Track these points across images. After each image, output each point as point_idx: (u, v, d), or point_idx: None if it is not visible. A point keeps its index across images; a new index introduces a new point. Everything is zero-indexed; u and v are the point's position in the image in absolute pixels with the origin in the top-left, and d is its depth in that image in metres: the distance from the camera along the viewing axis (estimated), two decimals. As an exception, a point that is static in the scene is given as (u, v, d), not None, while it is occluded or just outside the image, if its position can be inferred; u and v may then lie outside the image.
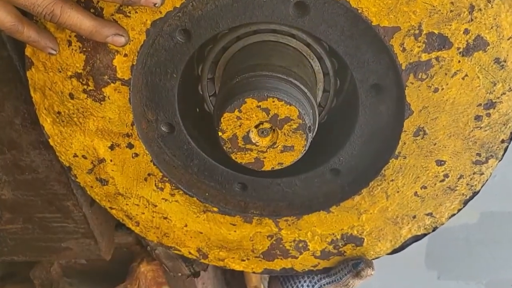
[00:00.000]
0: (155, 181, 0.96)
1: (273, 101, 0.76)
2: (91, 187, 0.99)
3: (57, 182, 1.06)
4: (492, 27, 0.72)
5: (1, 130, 1.00)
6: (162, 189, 0.97)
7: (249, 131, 0.79)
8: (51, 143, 0.93)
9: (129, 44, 0.79)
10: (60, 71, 0.83)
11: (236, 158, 0.83)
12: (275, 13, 0.77)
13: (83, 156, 0.94)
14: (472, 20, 0.72)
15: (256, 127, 0.80)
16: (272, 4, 0.76)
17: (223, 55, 0.93)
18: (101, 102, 0.86)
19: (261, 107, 0.77)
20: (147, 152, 0.92)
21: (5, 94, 0.95)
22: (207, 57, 0.93)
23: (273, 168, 0.84)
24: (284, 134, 0.79)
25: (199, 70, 0.95)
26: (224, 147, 0.81)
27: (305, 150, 0.81)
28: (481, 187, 0.91)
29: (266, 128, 0.80)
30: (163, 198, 0.99)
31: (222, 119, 0.78)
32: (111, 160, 0.94)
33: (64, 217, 1.14)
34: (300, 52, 0.92)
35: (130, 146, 0.92)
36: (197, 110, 1.02)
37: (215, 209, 1.00)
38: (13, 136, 1.01)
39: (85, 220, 1.13)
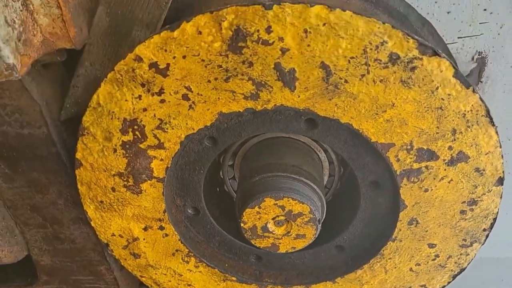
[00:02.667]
0: (181, 255, 1.10)
1: (288, 200, 0.90)
2: (125, 259, 1.12)
3: (92, 251, 1.20)
4: (472, 145, 0.86)
5: (45, 209, 1.14)
6: (187, 262, 1.11)
7: (267, 222, 0.93)
8: (92, 225, 1.07)
9: (165, 151, 0.93)
10: (105, 171, 0.97)
11: (255, 243, 0.96)
12: (289, 127, 0.91)
13: (120, 235, 1.07)
14: (455, 140, 0.86)
15: (273, 219, 0.94)
16: (286, 120, 0.90)
17: (242, 147, 1.07)
18: (138, 194, 1.00)
19: (278, 204, 0.91)
20: (176, 233, 1.06)
21: (51, 180, 1.09)
22: (228, 149, 1.07)
23: (287, 251, 0.98)
24: (297, 225, 0.93)
25: (221, 159, 1.09)
26: (245, 235, 0.95)
27: (315, 237, 0.95)
28: (468, 264, 1.04)
29: (282, 220, 0.94)
30: (188, 269, 1.12)
31: (244, 213, 0.92)
32: (144, 239, 1.07)
33: (96, 279, 1.27)
34: (309, 146, 1.06)
35: (161, 228, 1.05)
36: (218, 190, 1.16)
37: (234, 278, 1.13)
38: (55, 214, 1.15)
39: (116, 282, 1.26)
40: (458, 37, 1.32)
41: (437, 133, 0.85)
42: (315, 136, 0.93)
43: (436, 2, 1.26)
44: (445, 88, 0.81)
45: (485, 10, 1.26)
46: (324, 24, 0.76)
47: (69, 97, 0.99)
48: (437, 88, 0.81)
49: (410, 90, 0.81)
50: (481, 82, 1.39)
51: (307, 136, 0.94)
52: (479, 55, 1.35)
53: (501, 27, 1.29)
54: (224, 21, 0.77)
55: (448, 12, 1.28)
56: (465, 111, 0.83)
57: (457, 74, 0.80)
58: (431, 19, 1.27)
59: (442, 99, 0.82)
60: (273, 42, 0.78)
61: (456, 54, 1.34)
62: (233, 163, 1.10)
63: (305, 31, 0.77)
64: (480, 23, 1.28)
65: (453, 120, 0.84)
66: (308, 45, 0.78)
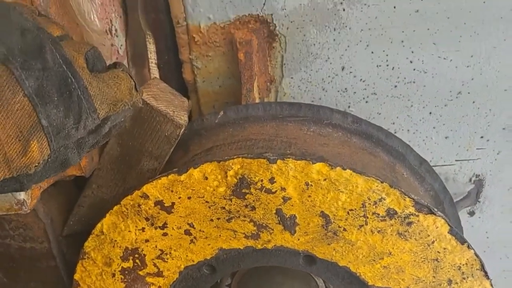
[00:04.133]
0: None
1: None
2: None
3: None
4: None
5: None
6: None
7: None
8: None
9: (164, 279, 0.94)
10: (102, 293, 0.97)
11: None
12: (288, 261, 0.93)
13: None
14: (450, 290, 0.87)
15: None
16: (285, 256, 0.92)
17: (239, 270, 1.08)
18: (134, 317, 0.99)
19: None
20: None
21: (49, 291, 1.09)
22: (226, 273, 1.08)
23: None
24: None
25: (219, 280, 1.10)
26: None
27: None
28: None
29: None
30: None
31: None
32: None
33: None
34: (309, 273, 1.07)
35: None
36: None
37: None
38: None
39: None
40: (456, 160, 1.36)
41: (433, 281, 0.87)
42: (313, 272, 0.94)
43: (434, 128, 1.31)
44: (441, 242, 0.83)
45: (482, 137, 1.31)
46: (325, 179, 0.80)
47: (73, 215, 1.02)
48: (433, 242, 0.83)
49: (407, 242, 0.83)
50: (479, 202, 1.42)
51: (305, 271, 0.95)
52: (476, 177, 1.38)
53: (498, 153, 1.33)
54: (230, 170, 0.81)
55: (446, 137, 1.32)
56: (460, 264, 0.84)
57: (452, 231, 0.82)
58: (429, 142, 1.32)
59: (438, 252, 0.84)
60: (276, 191, 0.81)
61: (454, 175, 1.37)
62: (230, 283, 1.11)
63: (307, 184, 0.80)
64: (477, 149, 1.33)
65: (448, 271, 0.85)
66: (309, 196, 0.81)
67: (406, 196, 0.79)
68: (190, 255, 0.90)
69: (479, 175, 1.38)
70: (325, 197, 0.81)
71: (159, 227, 0.88)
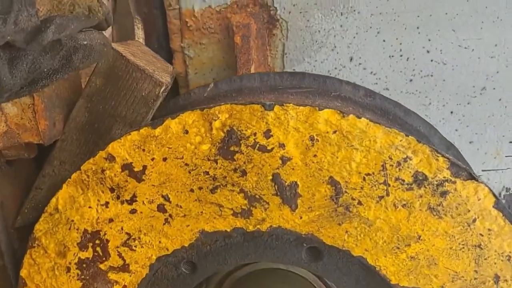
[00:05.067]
0: None
1: None
2: None
3: None
4: (520, 298, 0.67)
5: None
6: None
7: None
8: None
9: (130, 276, 0.74)
10: (53, 295, 0.77)
11: None
12: (287, 255, 0.73)
13: None
14: (498, 289, 0.67)
15: None
16: (284, 247, 0.73)
17: (227, 279, 0.88)
18: (91, 330, 0.78)
19: None
20: None
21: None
22: (211, 279, 0.88)
23: None
24: None
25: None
26: None
27: None
28: None
29: None
30: None
31: None
32: None
33: None
34: (310, 283, 0.86)
35: None
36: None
37: None
38: None
39: None
40: (483, 170, 1.19)
41: (475, 278, 0.67)
42: (319, 271, 0.74)
43: (456, 130, 1.16)
44: (485, 221, 0.64)
45: (511, 142, 1.15)
46: (334, 132, 0.63)
47: (29, 200, 0.84)
48: (474, 221, 0.64)
49: (440, 220, 0.65)
50: None
51: (309, 270, 0.75)
52: (506, 191, 1.20)
53: (530, 162, 1.16)
54: (215, 120, 0.64)
55: (470, 142, 1.16)
56: (510, 252, 0.65)
57: (498, 205, 0.64)
58: (451, 147, 1.15)
59: (481, 234, 0.65)
60: (272, 148, 0.65)
61: (481, 188, 1.19)
62: (217, 297, 0.90)
63: (312, 139, 0.64)
64: (506, 156, 1.16)
65: (495, 263, 0.66)
66: (315, 155, 0.64)
67: (438, 155, 0.62)
68: (164, 241, 0.72)
69: (509, 189, 1.20)
70: (335, 156, 0.64)
71: (127, 201, 0.70)
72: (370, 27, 1.09)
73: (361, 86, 0.86)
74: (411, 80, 1.12)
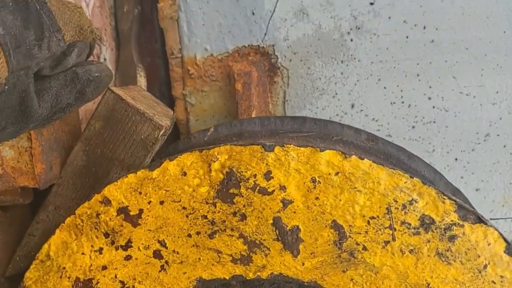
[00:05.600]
0: None
1: None
2: None
3: None
4: None
5: None
6: None
7: None
8: None
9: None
10: None
11: None
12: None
13: None
14: None
15: None
16: (286, 298, 0.69)
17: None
18: None
19: None
20: None
21: None
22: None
23: None
24: None
25: None
26: None
27: None
28: None
29: None
30: None
31: None
32: None
33: None
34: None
35: None
36: None
37: None
38: None
39: None
40: (491, 218, 1.16)
41: (490, 331, 0.62)
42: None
43: (462, 178, 1.13)
44: (496, 267, 0.61)
45: (518, 189, 1.13)
46: (336, 173, 0.61)
47: (21, 248, 0.81)
48: (485, 267, 0.61)
49: (449, 266, 0.62)
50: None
51: (313, 321, 0.71)
52: (516, 240, 1.16)
53: (540, 210, 1.13)
54: (214, 161, 0.63)
55: (476, 190, 1.14)
56: (526, 302, 0.61)
57: (510, 250, 0.61)
58: (457, 195, 1.12)
59: (493, 282, 0.61)
60: (273, 191, 0.63)
61: (490, 238, 1.15)
62: None
63: (313, 181, 0.62)
64: (514, 204, 1.13)
65: (511, 315, 0.62)
66: (317, 198, 0.62)
67: (445, 197, 0.60)
68: (160, 290, 0.68)
69: (520, 238, 1.15)
70: (338, 199, 0.62)
71: (122, 246, 0.67)
72: (371, 75, 1.09)
73: (363, 131, 0.85)
74: (413, 127, 1.11)
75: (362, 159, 0.61)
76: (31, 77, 0.54)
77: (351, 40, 1.08)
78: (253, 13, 1.09)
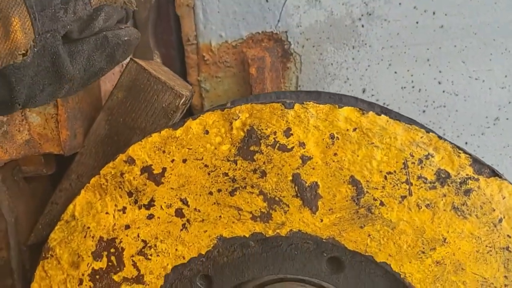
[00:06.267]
0: None
1: None
2: None
3: None
4: (556, 308, 0.63)
5: None
6: None
7: None
8: None
9: (145, 287, 0.71)
10: (63, 310, 0.74)
11: None
12: (307, 267, 0.71)
13: None
14: (532, 297, 0.63)
15: None
16: (304, 258, 0.70)
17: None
18: None
19: None
20: None
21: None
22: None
23: None
24: None
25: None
26: None
27: None
28: None
29: None
30: None
31: None
32: None
33: None
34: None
35: None
36: None
37: None
38: None
39: None
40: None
41: (505, 285, 0.64)
42: (341, 284, 0.71)
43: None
44: (511, 221, 0.62)
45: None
46: (354, 129, 0.63)
47: (44, 216, 0.83)
48: (500, 221, 0.63)
49: (465, 221, 0.63)
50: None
51: (330, 282, 0.72)
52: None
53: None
54: (236, 119, 0.65)
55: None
56: (541, 256, 0.63)
57: (525, 204, 0.62)
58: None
59: (508, 236, 0.63)
60: (292, 147, 0.65)
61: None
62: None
63: (332, 137, 0.64)
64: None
65: (526, 268, 0.63)
66: (335, 154, 0.64)
67: (460, 151, 0.62)
68: (181, 249, 0.70)
69: (530, 223, 1.16)
70: (355, 155, 0.64)
71: (144, 205, 0.69)
72: (382, 60, 1.12)
73: (376, 104, 0.87)
74: (424, 111, 1.13)
75: (379, 115, 0.63)
76: (59, 39, 0.57)
77: (362, 26, 1.12)
78: (266, 1, 1.12)
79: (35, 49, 0.54)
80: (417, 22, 1.10)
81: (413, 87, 1.13)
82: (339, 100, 0.86)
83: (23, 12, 0.52)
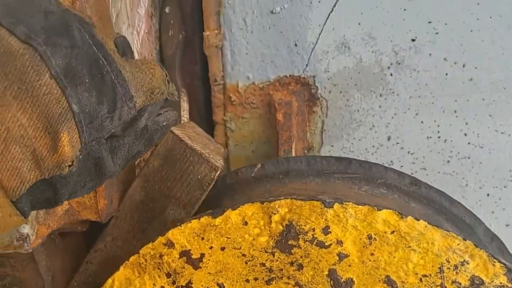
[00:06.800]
0: None
1: None
2: None
3: None
4: None
5: None
6: None
7: None
8: None
9: None
10: None
11: None
12: None
13: None
14: None
15: None
16: None
17: None
18: None
19: None
20: None
21: None
22: None
23: None
24: None
25: None
26: None
27: None
28: None
29: None
30: None
31: None
32: None
33: None
34: None
35: None
36: None
37: None
38: None
39: None
40: (520, 253, 1.19)
41: None
42: None
43: (492, 213, 1.16)
44: (541, 327, 0.64)
45: (549, 226, 1.15)
46: (392, 232, 0.65)
47: (79, 274, 0.86)
48: (530, 328, 0.64)
49: (496, 326, 0.65)
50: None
51: None
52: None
53: None
54: (275, 214, 0.67)
55: (506, 225, 1.17)
56: None
57: (555, 312, 0.64)
58: (487, 229, 1.15)
59: None
60: (330, 245, 0.66)
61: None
62: None
63: (369, 237, 0.65)
64: (545, 239, 1.16)
65: None
66: (372, 254, 0.66)
67: (495, 261, 0.63)
68: (216, 328, 0.72)
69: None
70: (392, 256, 0.65)
71: (182, 287, 0.71)
72: (409, 109, 1.12)
73: (406, 174, 0.88)
74: (448, 161, 1.14)
75: (418, 220, 0.64)
76: (103, 143, 0.57)
77: (391, 74, 1.11)
78: (295, 45, 1.12)
79: (80, 156, 0.55)
80: (446, 74, 1.09)
81: (439, 137, 1.13)
82: (369, 169, 0.87)
83: (72, 127, 0.52)
